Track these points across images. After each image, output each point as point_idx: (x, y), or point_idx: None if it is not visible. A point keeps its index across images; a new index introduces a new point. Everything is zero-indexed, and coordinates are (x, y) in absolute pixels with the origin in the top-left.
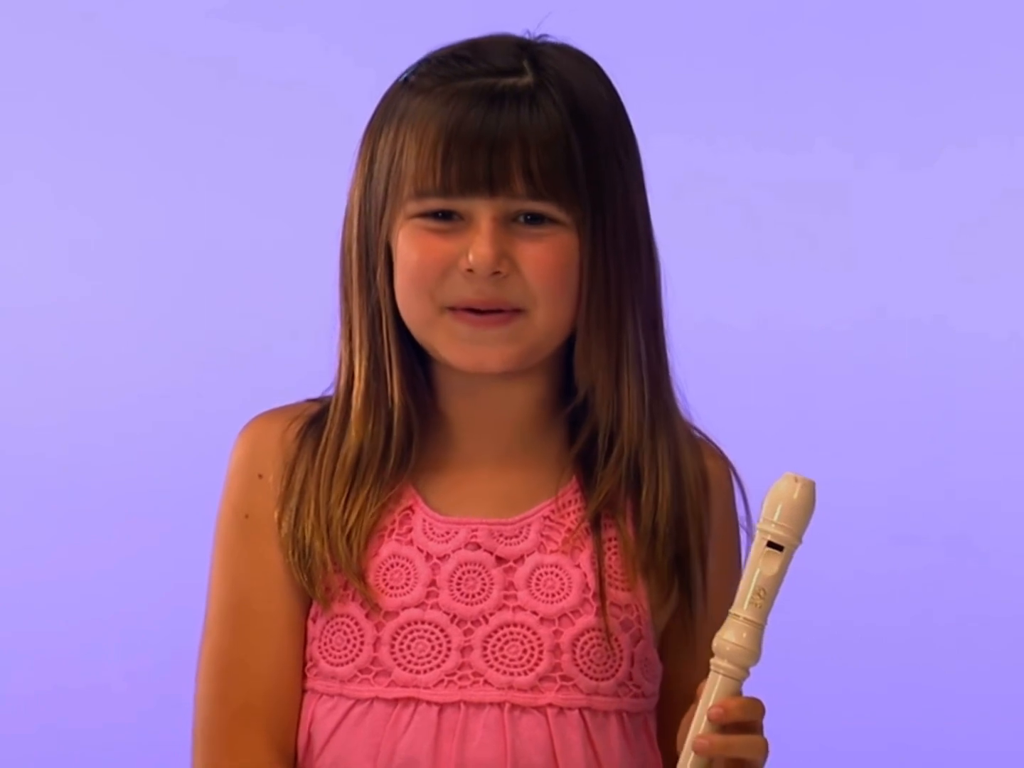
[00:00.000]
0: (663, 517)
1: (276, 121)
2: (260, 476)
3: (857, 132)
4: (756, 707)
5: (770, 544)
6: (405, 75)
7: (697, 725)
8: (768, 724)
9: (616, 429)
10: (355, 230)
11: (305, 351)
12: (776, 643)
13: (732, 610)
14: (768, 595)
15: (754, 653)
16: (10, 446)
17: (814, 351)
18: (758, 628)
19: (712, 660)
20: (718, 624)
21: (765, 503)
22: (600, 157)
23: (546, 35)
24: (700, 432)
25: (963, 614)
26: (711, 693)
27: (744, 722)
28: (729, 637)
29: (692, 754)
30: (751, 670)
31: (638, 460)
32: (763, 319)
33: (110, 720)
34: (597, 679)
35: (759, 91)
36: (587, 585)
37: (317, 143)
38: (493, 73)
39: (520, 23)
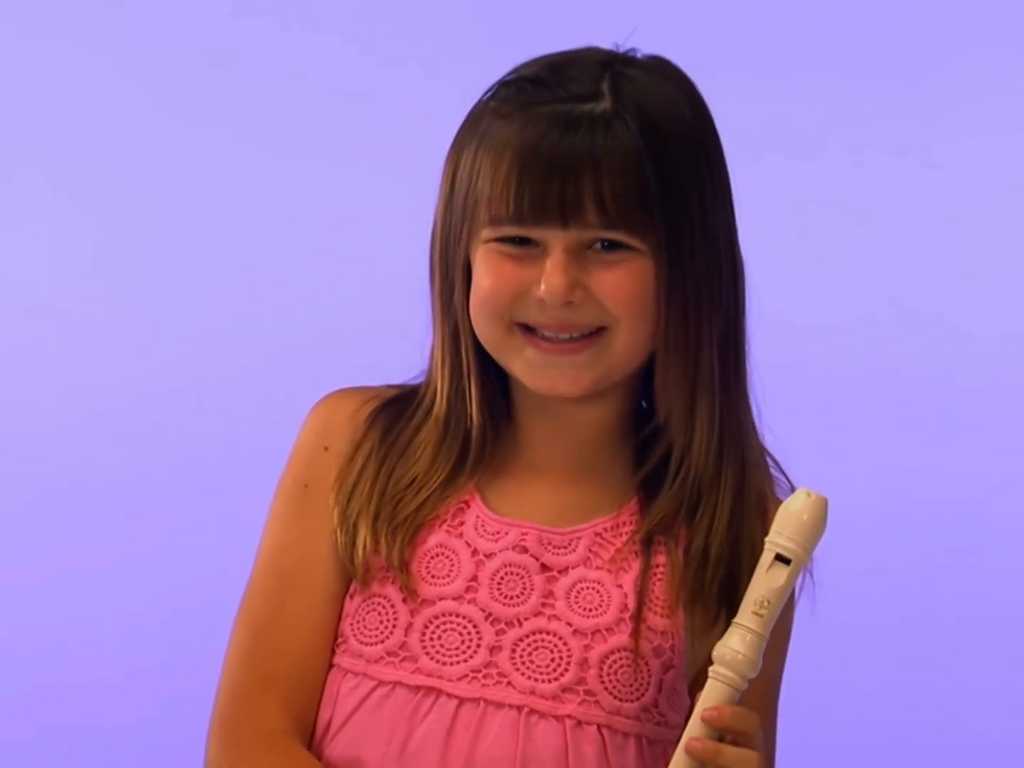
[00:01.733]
0: (716, 540)
1: (279, 116)
2: (326, 449)
3: (859, 131)
4: (750, 719)
5: (778, 557)
6: (490, 95)
7: (692, 727)
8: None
9: (686, 454)
10: (438, 246)
11: (310, 350)
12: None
13: (736, 619)
14: (772, 607)
15: (754, 663)
16: (10, 445)
17: (814, 348)
18: (759, 639)
19: (711, 667)
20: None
21: (777, 516)
22: (677, 181)
23: (634, 49)
24: (774, 460)
25: (963, 613)
26: (708, 698)
27: (738, 733)
28: (731, 645)
29: (684, 756)
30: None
31: (700, 485)
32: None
33: (112, 717)
34: (621, 699)
35: (762, 92)
36: (626, 606)
37: (322, 137)
38: (570, 99)
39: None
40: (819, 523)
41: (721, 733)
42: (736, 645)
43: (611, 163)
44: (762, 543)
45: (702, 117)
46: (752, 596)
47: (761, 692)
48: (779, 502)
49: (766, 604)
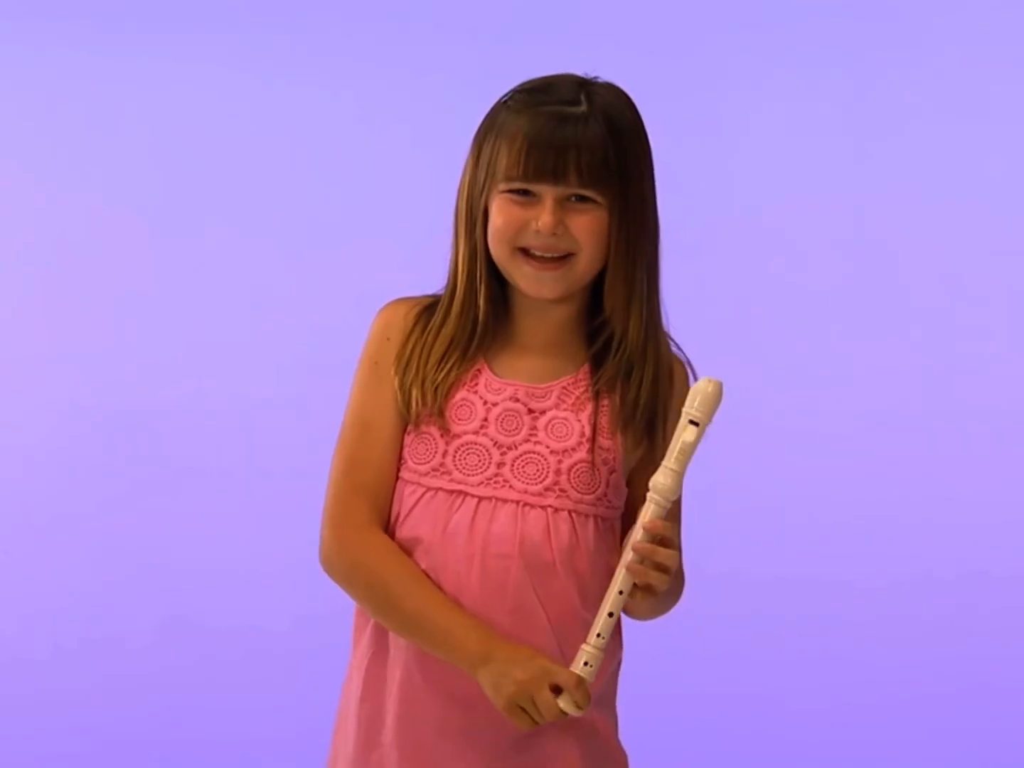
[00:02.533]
0: (644, 395)
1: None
2: (388, 339)
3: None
4: (673, 529)
5: (691, 422)
6: (505, 99)
7: (634, 535)
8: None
9: (624, 337)
10: (465, 197)
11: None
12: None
13: (664, 462)
14: (687, 455)
15: (675, 491)
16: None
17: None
18: (679, 476)
19: (648, 494)
20: None
21: (689, 394)
22: (627, 161)
23: (597, 76)
24: (675, 343)
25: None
26: (645, 515)
27: (666, 539)
28: (661, 479)
29: (623, 568)
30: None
31: (632, 358)
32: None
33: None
34: (582, 493)
35: (762, 93)
36: (583, 433)
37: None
38: (561, 103)
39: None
40: (717, 397)
41: (655, 538)
42: (664, 480)
43: (588, 146)
44: (671, 397)
45: (640, 122)
46: (675, 447)
47: (673, 512)
48: (683, 370)
49: (684, 453)
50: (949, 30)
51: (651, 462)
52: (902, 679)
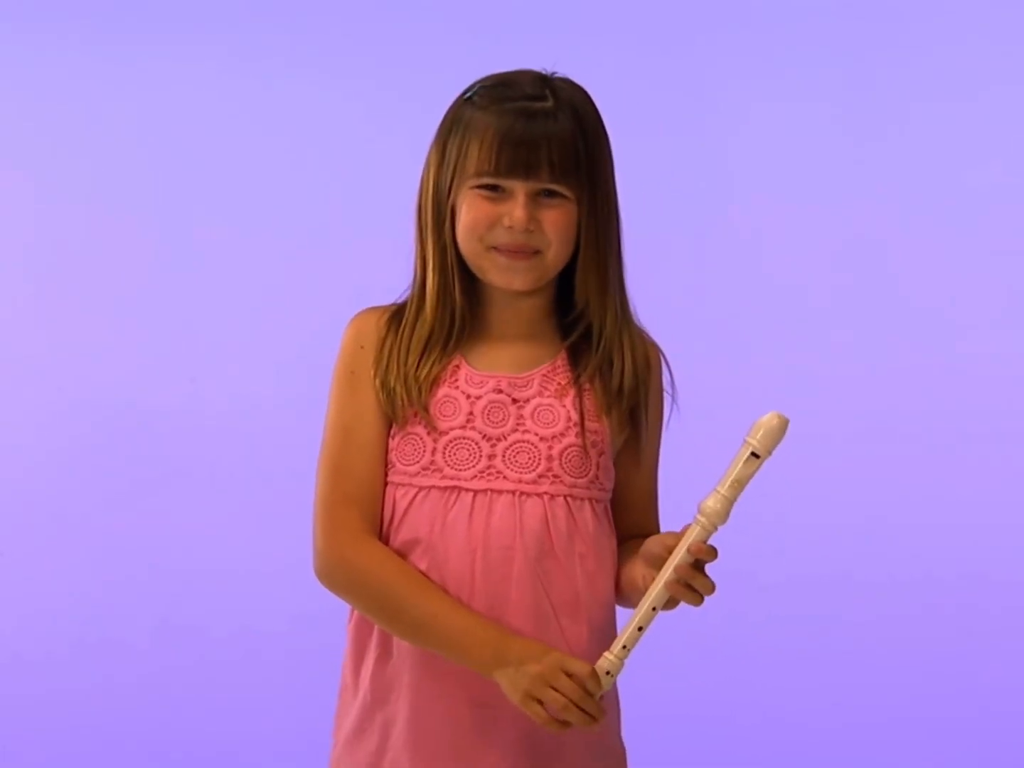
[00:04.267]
0: (627, 381)
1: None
2: (362, 347)
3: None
4: (713, 554)
5: (753, 454)
6: (468, 95)
7: (677, 553)
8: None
9: (602, 328)
10: (430, 195)
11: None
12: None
13: (717, 486)
14: (742, 485)
15: (723, 517)
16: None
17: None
18: (730, 504)
19: (696, 516)
20: (651, 448)
21: (753, 426)
22: (593, 155)
23: (556, 72)
24: (644, 331)
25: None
26: (690, 536)
27: (706, 562)
28: (711, 504)
29: (660, 584)
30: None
31: (611, 348)
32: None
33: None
34: (575, 477)
35: (758, 92)
36: (570, 418)
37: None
38: (528, 98)
39: None
40: (781, 433)
41: (697, 561)
42: (714, 504)
43: (558, 141)
44: (649, 381)
45: (599, 115)
46: (731, 475)
47: (649, 455)
48: (657, 353)
49: (739, 483)
50: (947, 30)
51: (635, 446)
52: (903, 680)
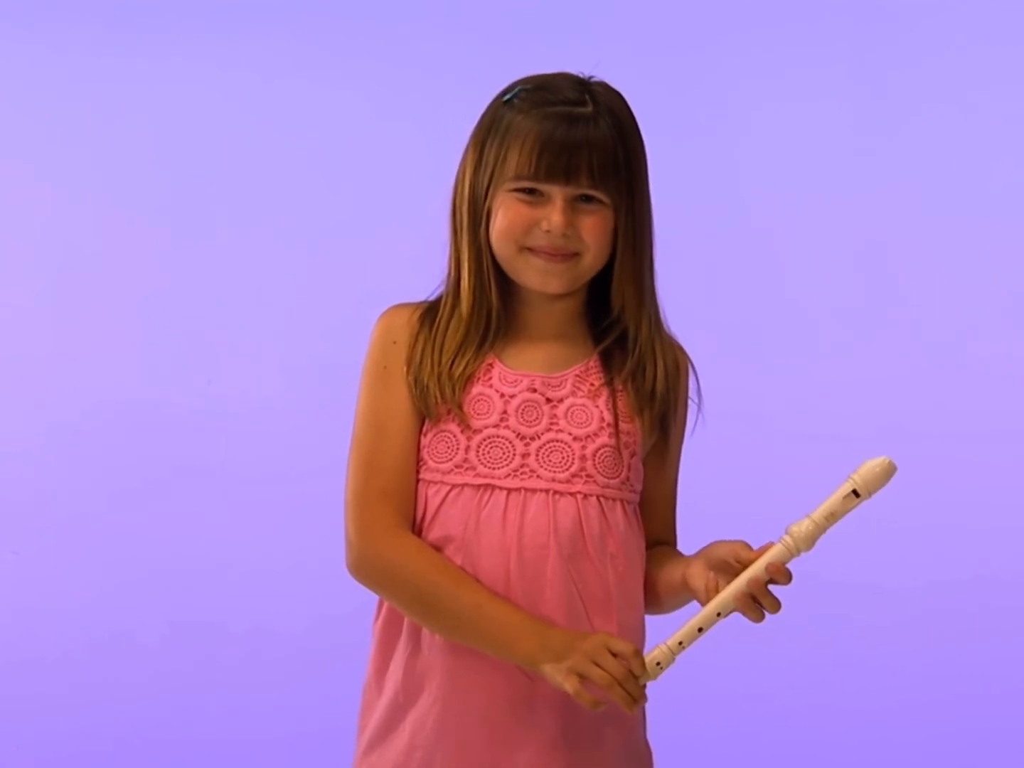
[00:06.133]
0: (659, 386)
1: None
2: (395, 343)
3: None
4: (790, 577)
5: (854, 491)
6: (507, 97)
7: (754, 568)
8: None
9: (638, 334)
10: (466, 196)
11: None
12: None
13: (811, 514)
14: (835, 518)
15: (809, 543)
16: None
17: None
18: (820, 532)
19: (783, 536)
20: (674, 455)
21: (861, 464)
22: (631, 160)
23: (593, 76)
24: (674, 336)
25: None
26: (773, 555)
27: (778, 584)
28: (802, 529)
29: (731, 594)
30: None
31: (645, 353)
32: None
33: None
34: (608, 477)
35: (767, 92)
36: (603, 418)
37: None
38: (568, 103)
39: None
40: (887, 478)
41: (772, 579)
42: (802, 529)
43: (599, 147)
44: (679, 387)
45: (636, 122)
46: (827, 506)
47: (673, 460)
48: (686, 359)
49: (833, 515)
50: (957, 29)
51: (660, 452)
52: (907, 680)
